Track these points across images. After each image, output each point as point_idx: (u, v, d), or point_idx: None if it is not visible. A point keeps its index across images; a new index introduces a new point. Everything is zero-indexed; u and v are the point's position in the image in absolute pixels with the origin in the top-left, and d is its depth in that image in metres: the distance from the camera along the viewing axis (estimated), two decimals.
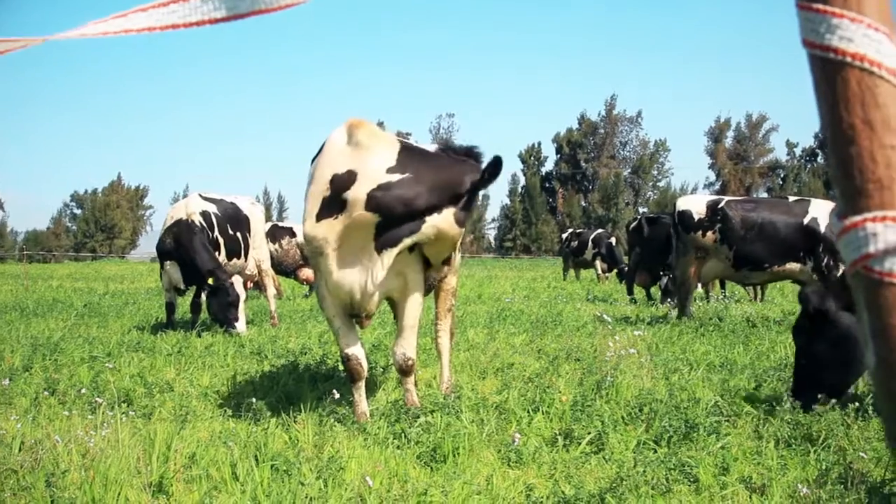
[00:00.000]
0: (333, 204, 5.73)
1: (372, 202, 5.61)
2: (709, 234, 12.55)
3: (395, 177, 5.63)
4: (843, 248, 0.85)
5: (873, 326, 0.83)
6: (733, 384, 7.21)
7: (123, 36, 0.95)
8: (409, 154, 5.78)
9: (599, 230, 31.24)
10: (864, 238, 0.82)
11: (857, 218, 0.83)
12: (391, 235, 5.71)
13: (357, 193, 5.62)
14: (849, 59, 0.83)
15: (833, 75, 0.85)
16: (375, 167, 5.67)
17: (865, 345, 0.86)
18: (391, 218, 5.65)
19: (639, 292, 19.26)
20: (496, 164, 5.72)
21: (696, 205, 12.94)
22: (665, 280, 16.35)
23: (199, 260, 11.87)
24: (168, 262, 12.36)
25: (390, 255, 5.75)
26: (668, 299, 16.00)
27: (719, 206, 12.57)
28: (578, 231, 31.61)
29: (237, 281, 11.88)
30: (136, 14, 0.99)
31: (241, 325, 11.76)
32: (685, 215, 12.87)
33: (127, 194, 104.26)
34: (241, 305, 11.84)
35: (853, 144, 0.84)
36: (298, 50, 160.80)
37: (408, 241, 5.75)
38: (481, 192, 6.00)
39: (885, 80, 0.83)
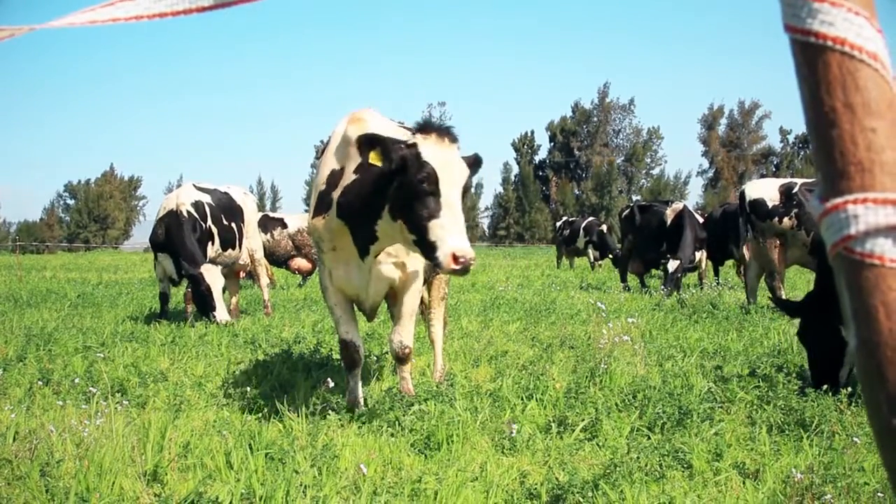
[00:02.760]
0: (326, 201, 5.69)
1: (340, 208, 5.56)
2: (785, 219, 12.48)
3: (353, 178, 5.50)
4: (824, 230, 0.87)
5: (854, 308, 0.84)
6: (727, 371, 7.24)
7: (111, 24, 0.95)
8: None
9: (591, 218, 31.38)
10: (845, 220, 0.84)
11: (839, 200, 0.84)
12: (363, 240, 5.61)
13: (338, 195, 5.58)
14: (830, 43, 0.84)
15: (814, 59, 0.86)
16: (351, 168, 5.56)
17: (847, 326, 0.87)
18: (352, 223, 5.55)
19: (632, 279, 19.28)
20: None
21: (768, 191, 12.84)
22: (675, 265, 16.18)
23: (182, 252, 11.80)
24: (161, 254, 12.33)
25: (372, 257, 5.68)
26: (664, 286, 15.94)
27: (794, 190, 12.50)
28: (571, 220, 31.77)
29: (208, 270, 11.70)
30: (123, 2, 0.99)
31: (219, 313, 11.56)
32: (758, 203, 12.77)
33: (120, 185, 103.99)
34: (218, 293, 11.66)
35: (834, 127, 0.85)
36: (291, 39, 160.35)
37: (377, 246, 5.62)
38: None
39: (865, 64, 0.84)
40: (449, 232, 4.86)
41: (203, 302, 11.60)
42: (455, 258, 4.76)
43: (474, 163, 5.36)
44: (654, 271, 19.13)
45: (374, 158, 5.13)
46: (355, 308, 6.24)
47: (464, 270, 4.81)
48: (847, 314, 0.87)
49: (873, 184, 0.84)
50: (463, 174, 5.14)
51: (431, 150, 5.07)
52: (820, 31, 0.85)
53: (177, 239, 11.88)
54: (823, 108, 0.86)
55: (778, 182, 13.04)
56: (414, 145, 5.08)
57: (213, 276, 11.63)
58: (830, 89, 0.86)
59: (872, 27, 0.84)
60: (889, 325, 0.83)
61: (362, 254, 5.64)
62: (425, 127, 5.20)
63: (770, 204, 12.60)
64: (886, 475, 0.86)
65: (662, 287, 15.96)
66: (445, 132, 5.17)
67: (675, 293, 15.78)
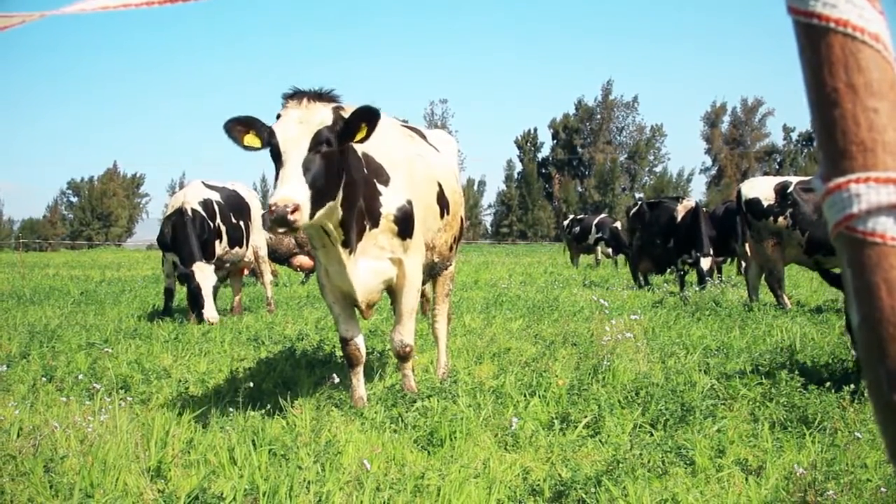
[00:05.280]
0: None
1: None
2: (780, 219, 12.40)
3: None
4: (826, 209, 0.87)
5: (856, 285, 0.85)
6: (730, 368, 7.23)
7: (123, 10, 0.95)
8: None
9: (603, 215, 30.91)
10: (847, 199, 0.84)
11: (841, 179, 0.85)
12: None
13: None
14: (832, 25, 0.85)
15: (817, 41, 0.87)
16: None
17: (849, 304, 0.88)
18: None
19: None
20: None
21: (763, 190, 12.76)
22: (708, 262, 15.84)
23: (182, 251, 11.75)
24: (168, 252, 12.28)
25: (351, 249, 5.55)
26: (699, 286, 15.46)
27: (788, 189, 12.41)
28: (579, 217, 31.26)
29: (200, 268, 11.58)
30: None
31: (207, 311, 11.42)
32: (754, 202, 12.68)
33: (123, 182, 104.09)
34: (208, 291, 11.53)
35: (837, 108, 0.86)
36: (294, 36, 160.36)
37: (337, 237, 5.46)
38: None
39: (867, 45, 0.85)
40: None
41: (193, 299, 11.59)
42: (270, 210, 4.69)
43: (360, 114, 5.10)
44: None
45: (249, 141, 5.14)
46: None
47: (279, 221, 4.68)
48: (849, 291, 0.88)
49: (875, 163, 0.85)
50: (310, 126, 4.98)
51: (283, 116, 5.06)
52: (823, 13, 0.86)
53: (180, 237, 11.82)
54: (826, 88, 0.87)
55: (774, 181, 12.95)
56: (278, 117, 5.10)
57: (203, 275, 11.52)
58: (833, 70, 0.86)
59: (874, 9, 0.85)
60: (890, 303, 0.84)
61: (344, 246, 5.53)
62: (290, 94, 5.18)
63: (765, 203, 12.55)
64: (887, 453, 0.87)
65: (697, 288, 15.00)
66: (306, 93, 5.14)
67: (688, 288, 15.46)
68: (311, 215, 4.86)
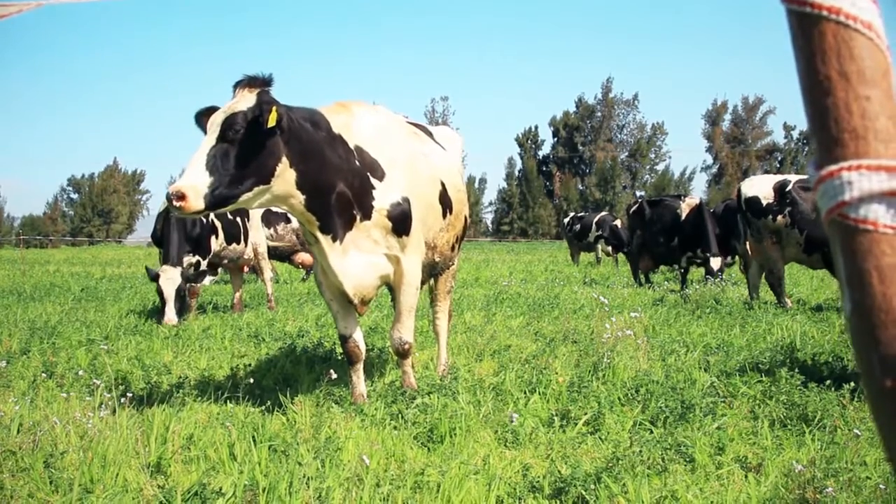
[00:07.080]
0: None
1: None
2: (779, 217, 12.40)
3: None
4: (819, 196, 0.88)
5: (848, 272, 0.86)
6: (730, 365, 7.23)
7: (119, 2, 0.95)
8: None
9: (603, 213, 30.80)
10: (839, 186, 0.85)
11: (833, 167, 0.86)
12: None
13: None
14: (825, 13, 0.86)
15: (810, 29, 0.88)
16: None
17: (842, 290, 0.88)
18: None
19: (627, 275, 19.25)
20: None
21: (762, 188, 12.76)
22: (718, 262, 15.77)
23: (164, 247, 11.74)
24: (161, 249, 12.25)
25: (338, 242, 5.54)
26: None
27: (787, 188, 12.41)
28: (580, 215, 31.15)
29: (165, 271, 11.48)
30: None
31: (166, 315, 11.26)
32: (753, 201, 12.69)
33: (124, 179, 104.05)
34: (169, 295, 11.39)
35: (829, 96, 0.86)
36: (295, 33, 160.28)
37: (312, 229, 5.52)
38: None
39: (860, 33, 0.86)
40: None
41: (161, 301, 11.63)
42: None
43: (260, 101, 5.07)
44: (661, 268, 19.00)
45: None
46: None
47: (171, 208, 4.88)
48: (841, 278, 0.88)
49: (867, 151, 0.85)
50: (229, 113, 5.01)
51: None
52: (815, 1, 0.86)
53: (165, 234, 11.75)
54: (819, 76, 0.87)
55: (773, 179, 12.94)
56: None
57: (166, 278, 11.43)
58: (826, 58, 0.87)
59: None
60: (882, 289, 0.84)
61: (323, 232, 5.51)
62: (235, 83, 5.23)
63: (764, 202, 12.53)
64: (881, 441, 0.87)
65: (704, 281, 15.03)
66: (246, 82, 5.17)
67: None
68: (218, 201, 4.94)
